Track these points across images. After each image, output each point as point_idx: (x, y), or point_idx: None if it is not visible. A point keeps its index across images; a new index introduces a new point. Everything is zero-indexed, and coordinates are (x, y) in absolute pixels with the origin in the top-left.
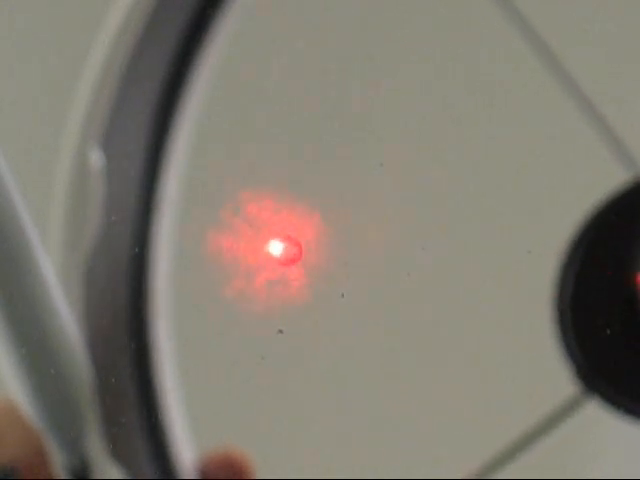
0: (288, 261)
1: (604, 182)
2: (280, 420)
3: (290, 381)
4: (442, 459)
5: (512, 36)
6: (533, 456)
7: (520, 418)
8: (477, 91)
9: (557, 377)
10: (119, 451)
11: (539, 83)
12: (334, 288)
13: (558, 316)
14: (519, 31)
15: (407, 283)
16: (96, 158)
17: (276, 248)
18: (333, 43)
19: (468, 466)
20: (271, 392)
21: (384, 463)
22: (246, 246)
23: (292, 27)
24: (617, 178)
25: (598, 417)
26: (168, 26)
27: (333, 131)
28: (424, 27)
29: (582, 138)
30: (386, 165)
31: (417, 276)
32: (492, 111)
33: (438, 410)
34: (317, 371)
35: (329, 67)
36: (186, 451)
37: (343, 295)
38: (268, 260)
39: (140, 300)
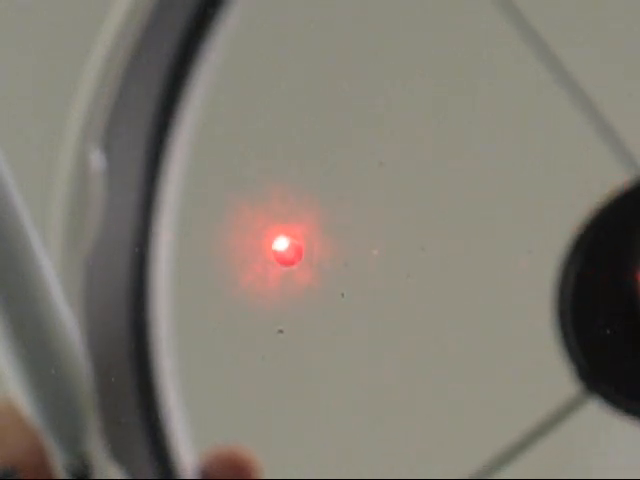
0: (288, 261)
1: (604, 182)
2: (280, 420)
3: (290, 381)
4: (442, 459)
5: (512, 36)
6: (533, 456)
7: (520, 418)
8: (477, 91)
9: (557, 377)
10: (119, 451)
11: (539, 83)
12: (334, 288)
13: (558, 316)
14: (519, 31)
15: (407, 283)
16: (96, 159)
17: (276, 248)
18: (333, 43)
19: (468, 466)
20: (271, 392)
21: (384, 463)
22: (246, 246)
23: (292, 27)
24: (617, 178)
25: (598, 417)
26: (168, 26)
27: (333, 131)
28: (424, 27)
29: (582, 138)
30: (386, 165)
31: (417, 276)
32: (492, 111)
33: (438, 410)
34: (317, 371)
35: (329, 67)
36: (186, 451)
37: (343, 295)
38: (268, 260)
39: (140, 300)
